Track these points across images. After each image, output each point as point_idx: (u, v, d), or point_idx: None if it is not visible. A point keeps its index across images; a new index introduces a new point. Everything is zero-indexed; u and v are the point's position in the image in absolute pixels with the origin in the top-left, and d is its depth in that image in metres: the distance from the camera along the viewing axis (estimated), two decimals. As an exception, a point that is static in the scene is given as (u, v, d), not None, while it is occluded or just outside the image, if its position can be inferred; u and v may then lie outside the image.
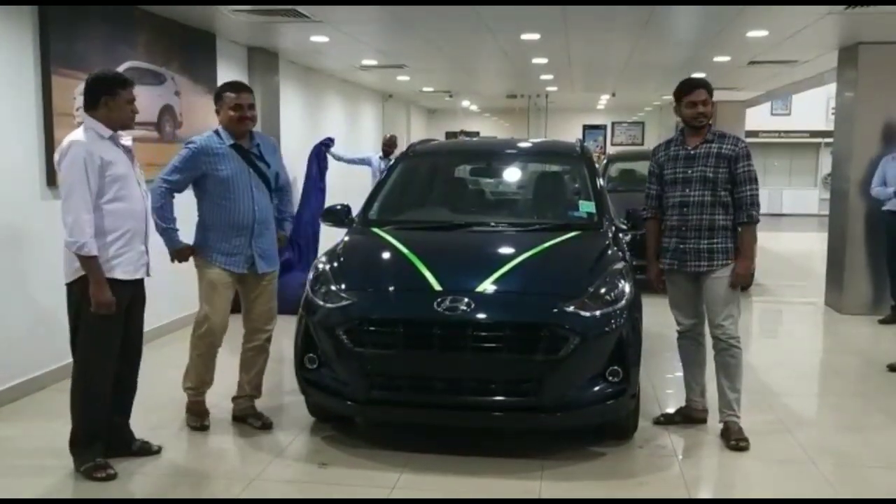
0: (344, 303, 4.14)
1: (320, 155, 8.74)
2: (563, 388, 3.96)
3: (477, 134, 20.01)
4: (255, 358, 4.60)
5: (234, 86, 4.50)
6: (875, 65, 7.92)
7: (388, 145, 10.30)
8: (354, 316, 4.10)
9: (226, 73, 8.00)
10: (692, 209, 4.34)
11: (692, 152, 4.36)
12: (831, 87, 13.87)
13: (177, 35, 6.98)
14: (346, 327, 4.06)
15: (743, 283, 4.38)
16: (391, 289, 4.26)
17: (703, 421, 4.63)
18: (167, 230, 4.33)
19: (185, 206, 4.48)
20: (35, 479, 3.87)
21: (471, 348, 4.01)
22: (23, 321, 5.02)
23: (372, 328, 4.10)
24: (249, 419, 4.57)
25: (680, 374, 4.96)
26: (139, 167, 4.01)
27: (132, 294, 3.92)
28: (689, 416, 4.65)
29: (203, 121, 7.42)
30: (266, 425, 4.53)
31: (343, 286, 4.25)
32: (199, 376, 4.49)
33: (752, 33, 7.74)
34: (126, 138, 3.95)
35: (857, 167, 8.05)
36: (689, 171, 4.35)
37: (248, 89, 4.51)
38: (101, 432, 3.89)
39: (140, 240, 3.90)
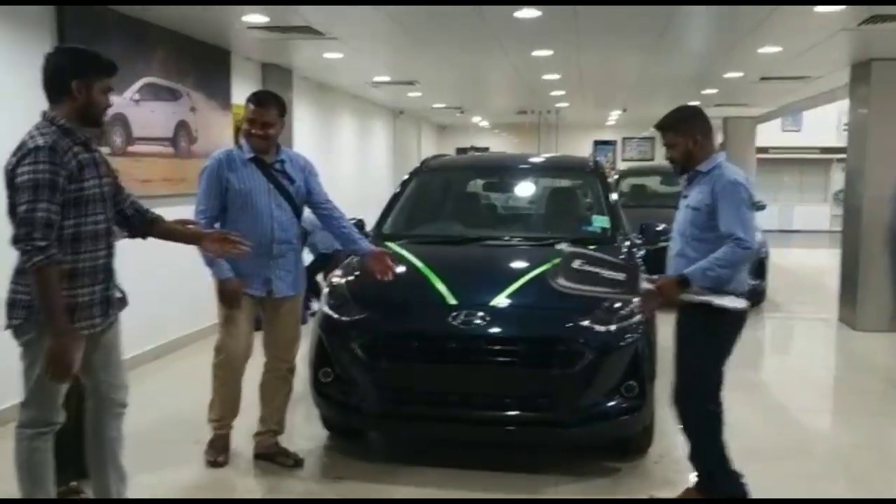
0: (359, 316, 4.15)
1: None
2: (578, 402, 3.95)
3: (487, 150, 20.06)
4: (275, 389, 4.25)
5: (255, 97, 4.13)
6: (888, 81, 7.91)
7: None
8: (369, 330, 4.11)
9: (240, 90, 8.06)
10: None
11: None
12: (842, 104, 13.85)
13: (192, 51, 7.05)
14: (361, 341, 4.07)
15: None
16: (406, 303, 4.27)
17: None
18: (213, 264, 3.97)
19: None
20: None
21: (485, 362, 4.03)
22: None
23: (387, 342, 4.11)
24: (278, 458, 4.24)
25: None
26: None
27: None
28: None
29: (218, 137, 7.49)
30: (298, 462, 4.23)
31: (358, 300, 4.26)
32: (224, 406, 4.19)
33: (764, 49, 7.75)
34: None
35: (870, 183, 8.03)
36: None
37: (269, 104, 4.06)
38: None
39: None
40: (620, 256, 4.70)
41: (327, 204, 4.25)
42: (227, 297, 4.02)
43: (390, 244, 4.86)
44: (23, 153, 2.83)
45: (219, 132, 7.55)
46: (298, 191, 4.14)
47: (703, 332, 3.54)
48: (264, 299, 4.11)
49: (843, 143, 16.98)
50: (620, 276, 3.50)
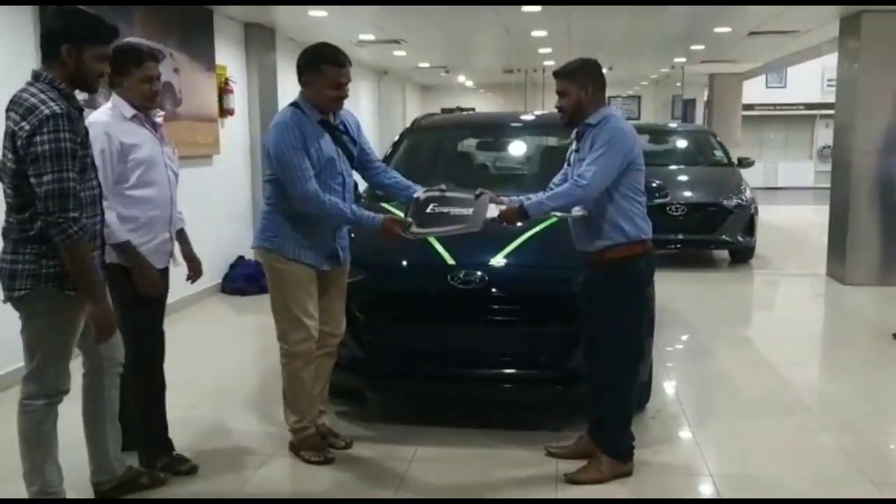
0: (357, 278, 4.11)
1: None
2: (577, 359, 3.95)
3: (473, 110, 19.92)
4: (324, 366, 3.91)
5: (336, 57, 3.62)
6: (878, 33, 7.84)
7: None
8: (368, 290, 4.08)
9: (223, 50, 7.92)
10: None
11: None
12: (826, 59, 13.84)
13: (174, 11, 6.89)
14: (359, 302, 4.04)
15: None
16: (404, 263, 4.24)
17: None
18: (356, 216, 3.62)
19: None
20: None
21: (485, 321, 4.03)
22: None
23: (386, 302, 4.09)
24: (327, 439, 3.95)
25: (679, 346, 4.87)
26: (171, 147, 3.64)
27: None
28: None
29: (203, 98, 7.37)
30: (348, 445, 3.97)
31: (356, 261, 4.21)
32: (304, 403, 3.80)
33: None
34: (158, 116, 3.61)
35: (859, 137, 8.03)
36: None
37: (348, 60, 3.67)
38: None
39: (164, 228, 3.55)
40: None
41: (378, 162, 3.95)
42: (397, 238, 3.58)
43: (385, 205, 4.81)
44: (39, 120, 2.70)
45: (203, 93, 7.42)
46: (359, 151, 3.84)
47: (619, 285, 3.53)
48: (324, 273, 3.75)
49: (827, 100, 16.89)
50: (468, 211, 3.54)
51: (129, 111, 3.41)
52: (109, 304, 2.99)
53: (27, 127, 2.70)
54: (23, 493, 3.06)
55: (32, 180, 2.73)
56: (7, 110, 2.81)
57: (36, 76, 2.86)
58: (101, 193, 3.07)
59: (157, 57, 3.49)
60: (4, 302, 2.94)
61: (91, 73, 2.90)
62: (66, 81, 2.85)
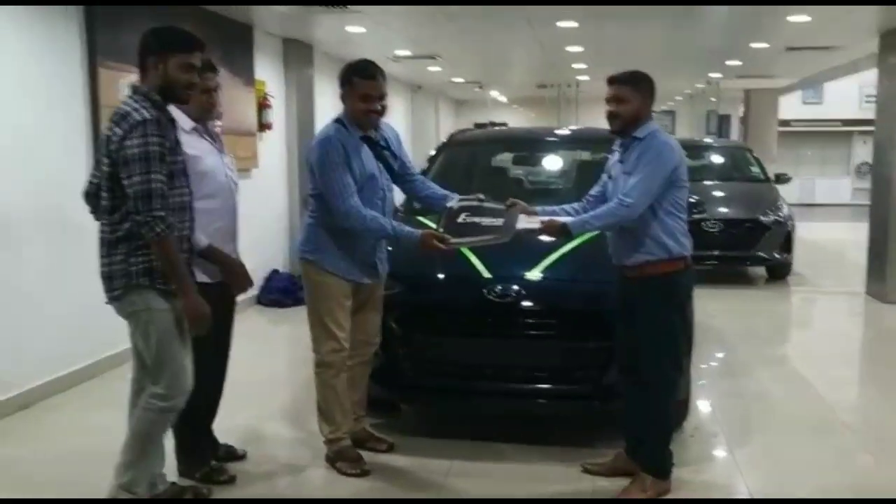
0: (392, 290, 4.14)
1: None
2: (614, 374, 3.93)
3: (505, 125, 19.94)
4: (362, 375, 3.98)
5: (363, 70, 3.65)
6: (919, 49, 7.78)
7: None
8: (403, 303, 4.10)
9: (262, 65, 8.04)
10: None
11: None
12: (864, 76, 13.67)
13: (216, 27, 7.01)
14: (395, 315, 4.07)
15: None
16: (440, 276, 4.26)
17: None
18: (395, 231, 3.63)
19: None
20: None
21: (521, 335, 4.04)
22: (67, 310, 5.05)
23: (421, 315, 4.11)
24: (369, 443, 4.03)
25: (716, 363, 4.81)
26: (230, 157, 3.70)
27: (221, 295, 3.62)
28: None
29: (242, 113, 7.48)
30: (391, 447, 4.05)
31: (392, 274, 4.24)
32: (340, 410, 3.81)
33: (793, 18, 7.64)
34: (216, 125, 3.67)
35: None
36: None
37: (380, 74, 3.67)
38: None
39: (230, 239, 3.61)
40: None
41: (417, 174, 4.00)
42: (436, 251, 3.55)
43: (421, 219, 4.84)
44: (130, 125, 2.88)
45: (243, 108, 7.53)
46: (399, 165, 3.87)
47: (660, 301, 3.51)
48: (361, 285, 3.80)
49: (865, 116, 16.65)
50: (498, 221, 3.57)
51: (188, 124, 3.45)
52: (199, 297, 3.05)
53: (119, 132, 2.90)
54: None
55: (124, 182, 2.90)
56: (109, 121, 3.02)
57: (133, 90, 3.04)
58: (191, 201, 3.18)
59: (216, 68, 3.55)
60: (107, 303, 3.08)
61: (177, 82, 3.03)
62: (158, 93, 3.01)
